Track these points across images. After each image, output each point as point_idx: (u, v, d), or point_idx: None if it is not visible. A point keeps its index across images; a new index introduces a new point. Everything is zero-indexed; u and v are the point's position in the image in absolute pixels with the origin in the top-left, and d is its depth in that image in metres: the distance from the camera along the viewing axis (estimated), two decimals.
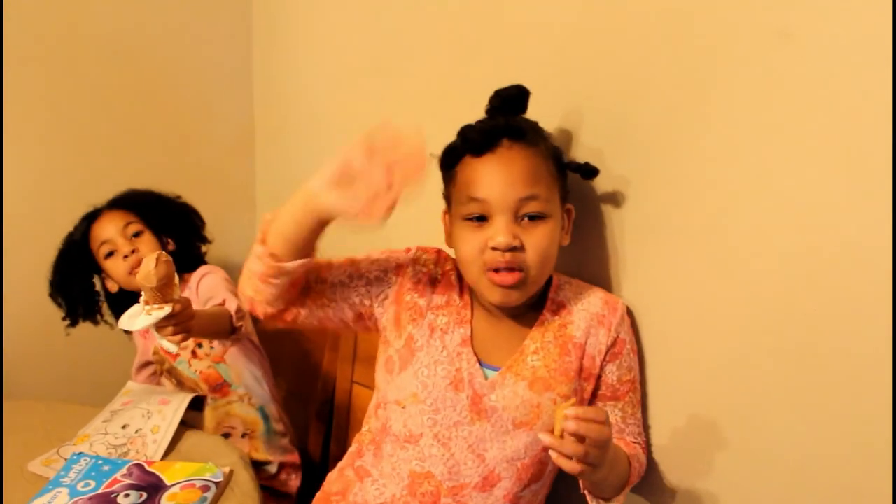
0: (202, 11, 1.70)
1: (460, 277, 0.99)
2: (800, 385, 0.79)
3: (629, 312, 0.97)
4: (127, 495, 1.02)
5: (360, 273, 0.99)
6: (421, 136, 0.73)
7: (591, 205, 1.01)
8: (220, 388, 1.36)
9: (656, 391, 0.98)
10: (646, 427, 1.00)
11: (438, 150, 0.95)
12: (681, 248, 0.90)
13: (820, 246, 0.75)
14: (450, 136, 0.95)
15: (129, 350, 1.53)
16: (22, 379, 1.61)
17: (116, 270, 1.33)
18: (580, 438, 0.73)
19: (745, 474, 0.87)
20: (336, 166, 0.75)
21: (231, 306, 1.22)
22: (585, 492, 0.87)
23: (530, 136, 0.90)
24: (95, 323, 1.41)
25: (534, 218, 0.87)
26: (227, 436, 1.35)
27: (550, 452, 0.75)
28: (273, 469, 1.37)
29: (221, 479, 1.07)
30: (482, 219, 0.88)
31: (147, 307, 0.99)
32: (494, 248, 0.86)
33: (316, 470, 1.50)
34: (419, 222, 1.32)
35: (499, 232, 0.86)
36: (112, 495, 1.02)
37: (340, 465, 1.06)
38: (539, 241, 0.87)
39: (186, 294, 1.38)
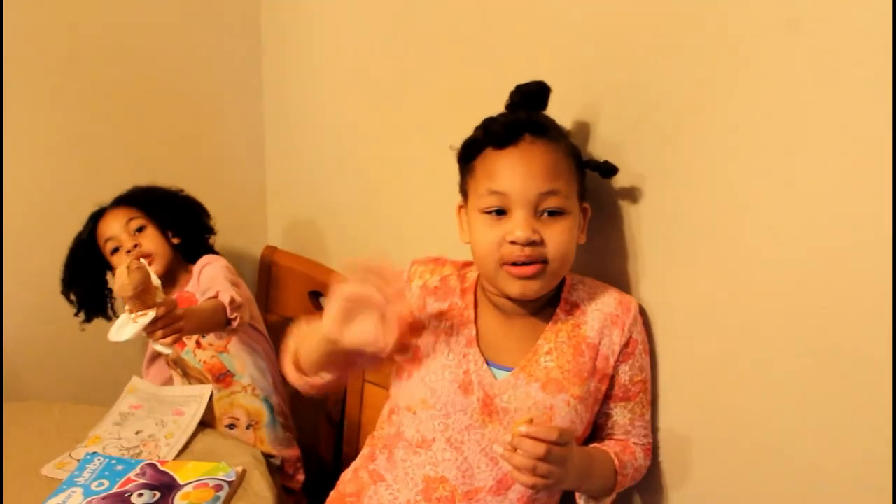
0: (211, 11, 1.70)
1: (461, 280, 0.98)
2: (815, 386, 0.78)
3: (642, 312, 0.96)
4: (140, 494, 1.03)
5: None
6: (394, 263, 0.80)
7: (607, 203, 1.00)
8: (224, 377, 1.37)
9: (669, 390, 0.97)
10: (655, 428, 0.99)
11: (456, 144, 0.94)
12: (697, 247, 0.89)
13: (838, 245, 0.74)
14: (462, 134, 0.94)
15: (138, 348, 1.54)
16: (33, 380, 1.62)
17: (121, 265, 1.35)
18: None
19: (755, 475, 0.86)
20: (338, 307, 0.79)
21: (224, 298, 1.21)
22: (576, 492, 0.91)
23: (552, 132, 0.90)
24: (108, 318, 1.44)
25: (553, 213, 0.87)
26: (231, 427, 1.36)
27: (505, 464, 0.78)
28: (277, 462, 1.38)
29: (234, 479, 1.07)
30: (501, 212, 0.87)
31: (132, 315, 1.00)
32: (513, 243, 0.85)
33: (327, 468, 1.50)
34: (434, 221, 1.32)
35: (518, 226, 0.85)
36: (126, 494, 1.03)
37: (354, 465, 1.06)
38: (559, 237, 0.86)
39: (191, 285, 1.39)
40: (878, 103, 0.69)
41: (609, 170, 0.94)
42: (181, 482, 1.06)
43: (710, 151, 0.86)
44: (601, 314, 0.93)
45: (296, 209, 1.78)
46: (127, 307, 1.01)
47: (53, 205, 1.58)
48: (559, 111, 0.95)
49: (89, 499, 1.02)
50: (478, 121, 0.93)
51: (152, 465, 1.10)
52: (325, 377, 0.92)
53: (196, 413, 1.25)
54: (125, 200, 1.41)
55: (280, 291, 1.68)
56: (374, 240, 1.52)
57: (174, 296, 1.40)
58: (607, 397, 0.95)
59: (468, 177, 0.93)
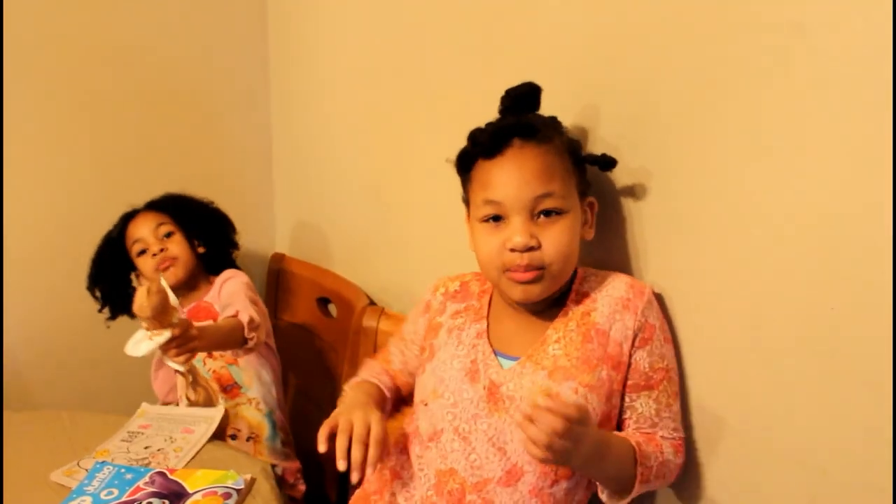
0: (219, 20, 1.71)
1: (480, 282, 1.01)
2: (824, 382, 0.78)
3: (660, 300, 0.94)
4: (150, 503, 1.03)
5: (410, 345, 1.08)
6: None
7: (613, 198, 1.00)
8: (231, 389, 1.39)
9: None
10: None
11: (453, 156, 0.96)
12: (703, 244, 0.89)
13: (846, 247, 0.74)
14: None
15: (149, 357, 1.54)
16: (43, 389, 1.63)
17: (146, 267, 1.41)
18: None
19: (764, 470, 0.86)
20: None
21: (243, 317, 1.25)
22: (597, 484, 0.88)
23: (542, 132, 0.90)
24: (132, 317, 1.47)
25: (550, 214, 0.87)
26: (233, 437, 1.37)
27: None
28: (278, 472, 1.39)
29: (243, 487, 1.07)
30: (498, 219, 0.89)
31: (149, 333, 1.05)
32: (512, 250, 0.87)
33: (336, 474, 1.50)
34: (439, 228, 1.32)
35: (515, 232, 0.86)
36: (135, 503, 1.03)
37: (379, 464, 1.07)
38: (557, 238, 0.87)
39: (211, 297, 1.42)
40: (884, 104, 0.68)
41: (607, 163, 0.94)
42: (190, 490, 1.06)
43: (714, 147, 0.85)
44: (611, 299, 0.92)
45: (303, 217, 1.79)
46: (144, 325, 1.05)
47: (63, 215, 1.60)
48: (562, 110, 0.96)
49: None
50: (475, 127, 0.94)
51: (161, 474, 1.10)
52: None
53: (206, 433, 1.25)
54: (157, 205, 1.45)
55: (288, 298, 1.69)
56: (379, 246, 1.52)
57: (193, 304, 1.42)
58: (629, 388, 0.92)
59: (467, 187, 0.94)
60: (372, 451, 0.87)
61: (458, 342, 0.96)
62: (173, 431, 1.27)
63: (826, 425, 0.78)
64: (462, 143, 0.95)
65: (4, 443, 1.19)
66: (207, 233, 1.49)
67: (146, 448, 1.21)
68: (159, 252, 1.39)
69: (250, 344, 1.27)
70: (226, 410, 1.35)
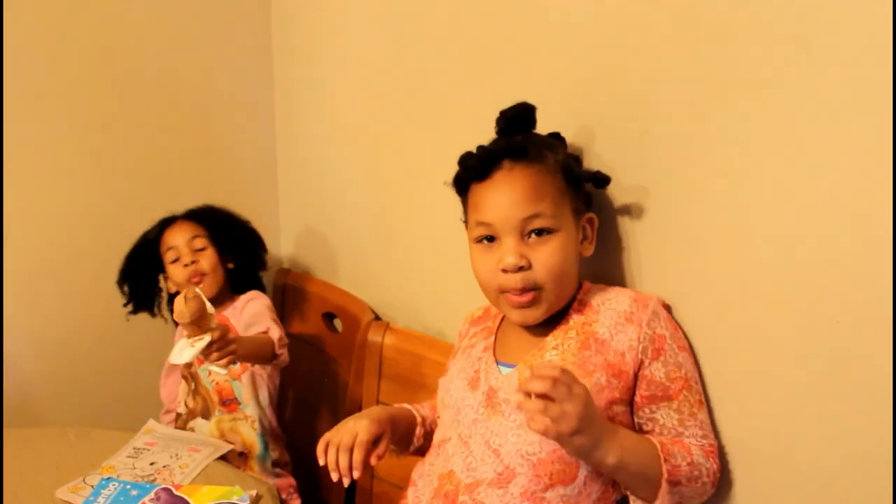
0: (223, 31, 1.73)
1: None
2: (828, 395, 0.77)
3: (669, 310, 0.94)
4: None
5: None
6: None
7: (614, 214, 1.00)
8: (230, 403, 1.41)
9: None
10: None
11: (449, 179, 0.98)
12: (703, 259, 0.89)
13: (844, 252, 0.74)
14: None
15: (155, 373, 1.55)
16: (48, 404, 1.63)
17: (176, 275, 1.44)
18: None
19: (770, 484, 0.85)
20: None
21: (274, 335, 1.32)
22: (626, 491, 0.86)
23: (533, 153, 0.92)
24: (153, 315, 1.53)
25: (541, 233, 0.89)
26: None
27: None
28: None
29: (248, 503, 1.07)
30: (492, 239, 0.92)
31: (190, 340, 1.10)
32: (504, 270, 0.89)
33: (339, 486, 1.49)
34: (444, 243, 1.32)
35: (506, 253, 0.89)
36: None
37: None
38: (548, 257, 0.89)
39: (230, 313, 1.46)
40: (884, 116, 0.68)
41: (601, 180, 0.96)
42: None
43: (714, 162, 0.86)
44: (614, 313, 0.92)
45: (308, 232, 1.79)
46: (185, 333, 1.12)
47: (69, 229, 1.60)
48: (563, 126, 0.97)
49: None
50: (465, 152, 0.96)
51: (167, 490, 1.10)
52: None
53: (211, 455, 1.26)
54: (196, 216, 1.49)
55: (293, 313, 1.69)
56: (385, 261, 1.52)
57: None
58: (648, 399, 0.90)
59: (464, 209, 0.98)
60: (355, 456, 0.91)
61: (468, 358, 1.00)
62: (179, 449, 1.27)
63: (833, 437, 0.78)
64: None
65: (10, 459, 1.20)
66: (239, 251, 1.52)
67: (152, 464, 1.21)
68: (191, 264, 1.42)
69: (278, 360, 1.33)
70: (216, 415, 1.40)
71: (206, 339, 1.10)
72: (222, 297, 1.48)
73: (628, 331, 0.90)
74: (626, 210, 0.98)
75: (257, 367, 1.35)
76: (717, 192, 0.86)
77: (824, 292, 0.76)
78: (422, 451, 1.05)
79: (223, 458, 1.27)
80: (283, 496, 1.40)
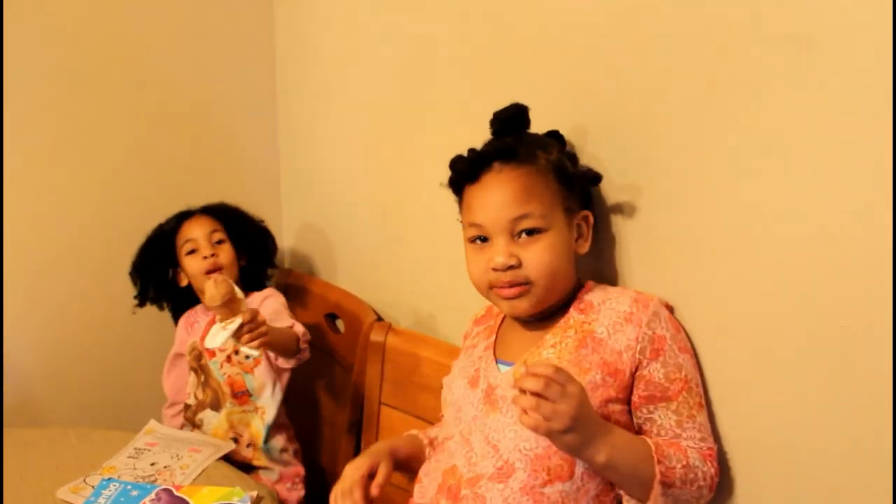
0: (225, 31, 1.73)
1: None
2: (832, 399, 0.77)
3: (671, 310, 0.93)
4: None
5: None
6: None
7: (610, 211, 1.00)
8: (241, 395, 1.41)
9: None
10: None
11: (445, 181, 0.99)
12: (704, 259, 0.89)
13: (845, 252, 0.73)
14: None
15: (156, 373, 1.54)
16: (49, 405, 1.63)
17: (193, 267, 1.45)
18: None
19: (771, 489, 0.85)
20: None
21: (298, 330, 1.35)
22: (619, 490, 0.86)
23: (523, 154, 0.93)
24: (161, 308, 1.54)
25: (532, 233, 0.90)
26: (235, 440, 1.39)
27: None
28: (274, 476, 1.41)
29: None
30: (485, 239, 0.93)
31: (222, 324, 1.14)
32: (494, 269, 0.91)
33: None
34: (444, 243, 1.32)
35: (496, 253, 0.91)
36: None
37: None
38: (537, 256, 0.90)
39: None
40: (887, 118, 0.68)
41: (592, 178, 0.98)
42: None
43: (717, 163, 0.85)
44: (614, 312, 0.92)
45: (310, 232, 1.79)
46: (217, 317, 1.16)
47: (69, 230, 1.61)
48: (564, 127, 0.97)
49: None
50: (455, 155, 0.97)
51: (167, 491, 1.10)
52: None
53: (212, 456, 1.25)
54: (213, 211, 1.51)
55: (296, 313, 1.68)
56: (387, 262, 1.52)
57: None
58: (646, 399, 0.90)
59: (460, 210, 1.00)
60: (354, 495, 0.94)
61: (469, 357, 1.01)
62: (180, 450, 1.26)
63: (836, 442, 0.77)
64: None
65: (11, 459, 1.20)
66: (253, 249, 1.54)
67: (152, 465, 1.21)
68: (210, 256, 1.43)
69: (301, 355, 1.35)
70: (227, 408, 1.40)
71: (238, 321, 1.13)
72: None
73: (627, 330, 0.90)
74: (628, 210, 0.98)
75: (280, 360, 1.36)
76: (718, 192, 0.85)
77: (826, 294, 0.76)
78: None
79: (226, 456, 1.26)
80: (289, 484, 1.42)
